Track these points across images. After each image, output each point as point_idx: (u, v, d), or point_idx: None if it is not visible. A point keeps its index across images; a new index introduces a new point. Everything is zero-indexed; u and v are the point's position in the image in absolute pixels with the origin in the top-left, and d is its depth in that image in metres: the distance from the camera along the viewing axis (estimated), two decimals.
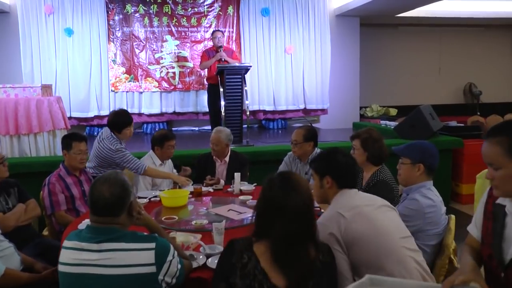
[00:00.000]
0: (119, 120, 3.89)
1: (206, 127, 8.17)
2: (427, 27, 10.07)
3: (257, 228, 1.73)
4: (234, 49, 7.68)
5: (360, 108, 9.20)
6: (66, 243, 1.82)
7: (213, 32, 6.99)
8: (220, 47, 6.57)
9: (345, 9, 8.23)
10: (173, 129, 8.01)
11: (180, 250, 2.01)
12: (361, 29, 8.92)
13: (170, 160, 4.06)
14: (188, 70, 7.88)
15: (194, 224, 2.61)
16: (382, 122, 7.75)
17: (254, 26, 8.11)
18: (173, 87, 7.86)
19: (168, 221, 2.69)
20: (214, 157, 4.07)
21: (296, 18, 8.30)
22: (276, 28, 8.21)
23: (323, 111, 8.64)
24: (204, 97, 7.66)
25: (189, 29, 7.86)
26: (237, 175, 3.54)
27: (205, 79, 7.43)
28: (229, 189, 3.60)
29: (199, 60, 7.25)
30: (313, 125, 8.68)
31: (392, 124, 7.22)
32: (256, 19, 8.12)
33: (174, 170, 4.15)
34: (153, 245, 1.75)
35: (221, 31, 7.14)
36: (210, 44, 7.74)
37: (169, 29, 7.79)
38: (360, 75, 8.94)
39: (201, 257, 2.13)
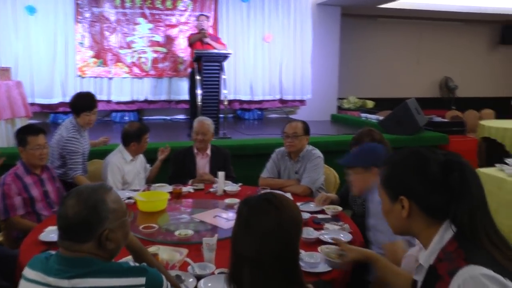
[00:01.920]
0: (79, 103, 3.49)
1: (178, 116, 7.78)
2: (407, 19, 9.93)
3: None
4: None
5: (337, 99, 9.00)
6: (28, 272, 1.41)
7: (198, 16, 6.66)
8: (203, 29, 6.19)
9: None
10: (144, 118, 7.59)
11: (169, 276, 1.66)
12: (342, 19, 8.69)
13: (142, 155, 3.68)
14: (162, 56, 7.43)
15: (178, 235, 2.27)
16: (363, 115, 7.57)
17: (233, 12, 7.74)
18: (145, 73, 7.39)
19: (147, 230, 2.33)
20: (195, 150, 3.72)
21: (276, 5, 7.98)
22: (256, 15, 7.86)
23: (302, 102, 8.40)
24: (179, 84, 7.25)
25: (164, 12, 7.40)
26: (221, 174, 3.21)
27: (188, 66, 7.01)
28: (211, 190, 3.27)
29: (175, 45, 6.85)
30: (290, 117, 8.45)
31: (373, 117, 7.03)
32: (235, 4, 7.74)
33: (148, 165, 3.77)
34: (142, 280, 1.38)
35: (206, 16, 6.79)
36: (185, 28, 7.38)
37: (142, 11, 7.30)
38: (339, 65, 8.73)
39: (190, 280, 1.80)
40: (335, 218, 2.72)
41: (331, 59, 8.61)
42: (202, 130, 3.66)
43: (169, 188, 3.18)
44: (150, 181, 3.65)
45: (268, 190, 3.18)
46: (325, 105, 8.49)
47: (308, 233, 2.40)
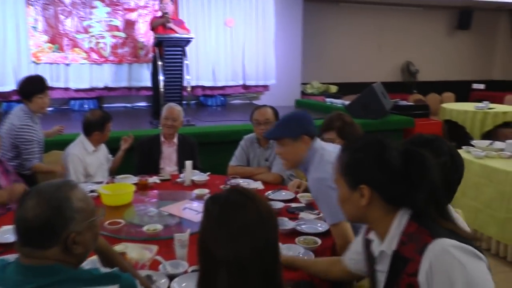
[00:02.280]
0: (29, 86, 3.28)
1: (140, 104, 7.53)
2: (368, 4, 9.95)
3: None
4: None
5: (301, 85, 8.96)
6: None
7: None
8: (166, 13, 5.94)
9: None
10: (104, 105, 7.29)
11: (141, 280, 1.52)
12: (304, 4, 8.61)
13: (103, 145, 3.48)
14: (121, 41, 7.12)
15: (146, 230, 2.13)
16: (327, 100, 7.54)
17: None
18: (104, 59, 7.06)
19: (113, 226, 2.17)
20: (162, 138, 3.56)
21: None
22: None
23: (265, 87, 8.31)
24: (139, 70, 7.00)
25: None
26: (188, 164, 3.06)
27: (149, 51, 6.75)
28: (178, 180, 3.12)
29: (134, 29, 6.57)
30: (253, 102, 8.35)
31: (338, 102, 7.02)
32: None
33: (109, 156, 3.58)
34: None
35: None
36: (144, 12, 7.10)
37: None
38: (302, 50, 8.66)
39: (163, 280, 1.67)
40: (310, 206, 2.64)
41: (294, 44, 8.53)
42: (173, 116, 3.52)
43: (134, 179, 3.02)
44: (113, 172, 3.47)
45: (237, 180, 3.09)
46: (288, 90, 8.43)
47: (284, 223, 2.31)
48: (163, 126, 3.54)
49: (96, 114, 3.33)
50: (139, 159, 3.55)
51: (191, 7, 7.49)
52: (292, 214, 2.53)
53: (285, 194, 2.86)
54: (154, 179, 3.05)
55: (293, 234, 2.20)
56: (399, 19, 10.40)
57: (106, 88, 7.18)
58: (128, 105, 7.56)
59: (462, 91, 9.85)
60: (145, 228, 2.14)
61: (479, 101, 7.75)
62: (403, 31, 10.48)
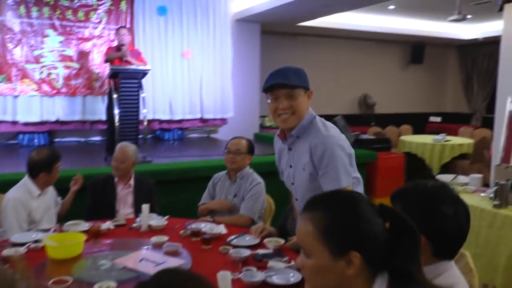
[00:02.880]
0: None
1: (94, 138, 7.19)
2: (325, 38, 10.10)
3: None
4: None
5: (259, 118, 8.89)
6: None
7: (118, 28, 6.13)
8: (123, 45, 5.72)
9: (246, 14, 7.89)
10: (55, 140, 6.89)
11: None
12: (262, 36, 8.63)
13: (51, 187, 3.18)
14: (75, 72, 6.81)
15: None
16: None
17: (150, 26, 7.35)
18: (56, 91, 6.70)
19: (58, 286, 1.90)
20: (116, 179, 3.31)
21: (195, 20, 7.71)
22: (174, 29, 7.52)
23: (223, 120, 8.16)
24: (94, 102, 6.71)
25: (76, 24, 6.79)
26: (145, 208, 2.81)
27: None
28: (134, 225, 2.86)
29: (88, 60, 6.31)
30: (211, 136, 8.19)
31: None
32: (152, 18, 7.35)
33: (59, 198, 3.28)
34: None
35: (127, 28, 6.29)
36: (99, 42, 6.85)
37: (51, 22, 6.64)
38: (260, 83, 8.62)
39: None
40: (279, 253, 2.45)
41: (252, 77, 8.48)
42: (120, 157, 3.28)
43: (85, 225, 2.73)
44: (62, 216, 3.17)
45: (198, 224, 2.86)
46: (247, 123, 8.31)
47: (252, 275, 2.10)
48: (112, 167, 3.31)
49: (42, 153, 3.01)
50: (91, 200, 3.27)
51: (148, 37, 7.31)
52: (260, 263, 2.33)
53: (249, 239, 2.65)
54: (107, 225, 2.77)
55: (264, 287, 2.01)
56: (355, 53, 10.61)
57: (58, 122, 6.80)
58: (82, 139, 7.19)
59: (419, 123, 10.08)
60: (96, 286, 1.88)
61: (436, 133, 7.91)
62: (360, 64, 10.69)
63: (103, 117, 6.35)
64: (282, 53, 9.75)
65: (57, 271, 2.06)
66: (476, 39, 10.32)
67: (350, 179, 2.11)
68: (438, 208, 1.34)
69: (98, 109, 6.84)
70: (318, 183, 2.11)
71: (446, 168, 7.09)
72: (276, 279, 2.07)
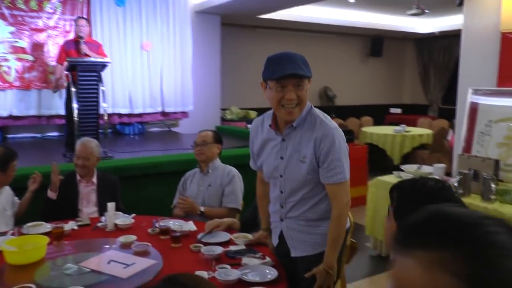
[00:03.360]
0: None
1: (51, 134, 6.88)
2: (286, 30, 10.08)
3: None
4: None
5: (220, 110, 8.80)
6: None
7: (76, 19, 5.84)
8: (81, 37, 5.46)
9: (206, 5, 7.75)
10: (8, 136, 6.54)
11: None
12: (222, 29, 8.51)
13: (7, 187, 2.99)
14: (28, 65, 6.45)
15: None
16: (249, 126, 7.41)
17: (108, 17, 7.06)
18: (8, 84, 6.32)
19: None
20: (78, 177, 3.16)
21: (154, 11, 7.48)
22: (133, 21, 7.29)
23: (184, 114, 8.01)
24: (50, 96, 6.40)
25: (28, 14, 6.41)
26: (110, 206, 2.70)
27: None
28: (99, 224, 2.74)
29: (43, 52, 6.02)
30: (172, 130, 8.04)
31: None
32: (110, 8, 7.08)
33: (16, 198, 3.10)
34: None
35: (86, 19, 6.01)
36: (55, 33, 6.55)
37: (0, 11, 6.28)
38: (220, 76, 8.53)
39: None
40: (251, 249, 2.39)
41: (213, 69, 8.35)
42: (84, 154, 3.13)
43: (47, 227, 2.59)
44: (20, 217, 2.99)
45: (167, 222, 2.76)
46: (208, 116, 8.19)
47: (226, 273, 2.04)
48: (75, 165, 3.16)
49: None
50: (51, 200, 3.10)
51: (105, 29, 7.04)
52: (233, 260, 2.27)
53: (219, 236, 2.59)
54: (70, 226, 2.63)
55: (239, 285, 1.95)
56: (315, 45, 10.64)
57: (11, 117, 6.42)
58: (38, 135, 6.85)
59: (378, 115, 10.25)
60: None
61: (396, 124, 8.07)
62: (319, 57, 10.73)
63: (60, 111, 6.07)
64: (242, 45, 9.67)
65: (17, 279, 1.92)
66: (432, 33, 10.57)
67: (347, 172, 2.08)
68: None
69: (55, 103, 6.52)
70: (315, 176, 2.04)
71: (407, 158, 7.25)
72: (251, 277, 2.02)
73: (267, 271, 2.08)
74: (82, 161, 3.10)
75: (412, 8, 6.84)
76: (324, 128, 2.00)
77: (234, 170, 3.21)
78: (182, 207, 2.98)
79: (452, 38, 10.76)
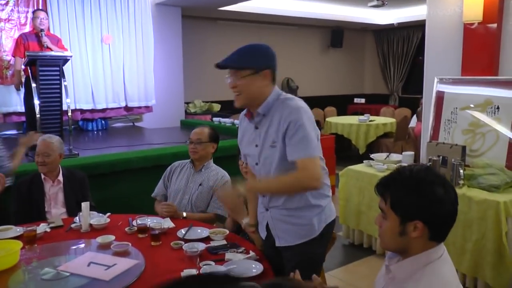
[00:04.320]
0: None
1: (9, 132, 6.57)
2: (246, 23, 10.03)
3: None
4: None
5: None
6: None
7: (34, 11, 5.58)
8: (42, 30, 5.22)
9: None
10: None
11: None
12: (183, 21, 8.38)
13: None
14: None
15: None
16: (215, 119, 7.33)
17: (65, 9, 6.78)
18: None
19: None
20: (43, 176, 3.03)
21: (113, 3, 7.26)
22: (92, 13, 7.04)
23: (148, 108, 7.85)
24: (6, 93, 6.11)
25: None
26: (85, 206, 2.59)
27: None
28: (73, 225, 2.62)
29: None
30: (136, 124, 7.88)
31: (228, 121, 6.86)
32: (67, 0, 6.80)
33: None
34: None
35: (45, 11, 5.75)
36: (9, 26, 6.26)
37: None
38: (183, 68, 8.41)
39: None
40: (233, 244, 2.36)
41: (175, 62, 8.23)
42: (44, 150, 2.99)
43: (17, 230, 2.46)
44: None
45: (144, 220, 2.68)
46: (172, 110, 8.09)
47: (212, 269, 2.00)
48: (36, 163, 3.02)
49: None
50: (18, 204, 2.96)
51: (63, 21, 6.76)
52: (216, 256, 2.23)
53: (200, 232, 2.54)
54: (43, 228, 2.51)
55: None
56: (276, 37, 10.63)
57: None
58: None
59: (341, 105, 10.38)
60: None
61: (361, 114, 8.19)
62: (281, 49, 10.73)
63: (18, 108, 5.80)
64: (204, 38, 9.56)
65: None
66: (391, 24, 10.78)
67: (320, 152, 2.02)
68: (431, 190, 1.31)
69: (12, 100, 6.22)
70: (287, 163, 2.00)
71: (372, 147, 7.39)
72: (238, 272, 1.99)
73: (253, 265, 2.05)
74: (42, 158, 2.97)
75: (373, 0, 6.94)
76: (288, 107, 1.98)
77: (227, 175, 3.11)
78: (166, 213, 2.82)
79: (410, 29, 11.02)
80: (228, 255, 2.18)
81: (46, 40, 5.19)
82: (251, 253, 2.19)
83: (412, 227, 1.33)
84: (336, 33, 11.37)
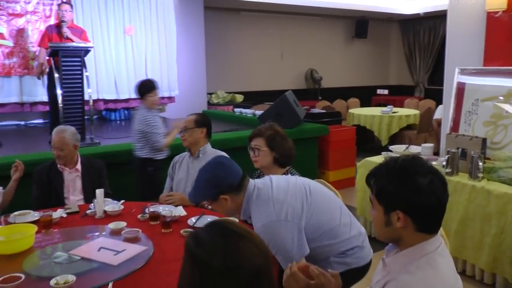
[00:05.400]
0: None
1: (35, 121, 6.77)
2: (269, 13, 10.00)
3: None
4: None
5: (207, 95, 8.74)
6: None
7: (60, 4, 5.69)
8: (63, 21, 5.33)
9: None
10: None
11: None
12: (206, 12, 8.41)
13: None
14: (8, 51, 6.31)
15: (55, 285, 1.72)
16: (237, 110, 7.36)
17: (88, 1, 6.92)
18: None
19: (8, 284, 1.72)
20: (59, 166, 3.11)
21: None
22: (115, 4, 7.15)
23: (171, 99, 7.94)
24: (32, 83, 6.28)
25: None
26: (99, 193, 2.65)
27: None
28: (88, 212, 2.70)
29: (23, 38, 5.86)
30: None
31: (249, 112, 6.87)
32: None
33: (0, 188, 3.03)
34: None
35: (70, 5, 5.88)
36: (34, 18, 6.40)
37: None
38: (205, 60, 8.45)
39: None
40: None
41: (198, 53, 8.30)
42: (58, 145, 3.04)
43: (35, 215, 2.54)
44: (6, 207, 2.93)
45: (157, 207, 2.72)
46: (194, 101, 8.17)
47: None
48: (55, 156, 3.09)
49: None
50: (37, 189, 3.05)
51: (87, 13, 6.90)
52: None
53: (210, 220, 2.56)
54: (59, 213, 2.59)
55: None
56: (300, 28, 10.58)
57: None
58: (21, 123, 6.75)
59: (365, 97, 10.27)
60: (53, 282, 1.72)
61: (384, 105, 8.08)
62: (305, 39, 10.69)
63: (44, 98, 5.96)
64: (226, 29, 9.58)
65: (5, 268, 1.88)
66: (417, 14, 10.57)
67: (294, 258, 1.82)
68: (411, 180, 1.29)
69: (38, 90, 6.41)
70: None
71: (394, 138, 7.29)
72: None
73: None
74: (56, 152, 3.04)
75: None
76: (255, 228, 1.90)
77: (226, 156, 3.14)
78: (170, 203, 2.85)
79: (437, 19, 10.77)
80: None
81: (66, 31, 5.28)
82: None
83: (395, 217, 1.32)
84: (360, 23, 11.22)
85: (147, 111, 3.85)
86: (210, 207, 2.71)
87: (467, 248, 3.48)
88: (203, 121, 3.20)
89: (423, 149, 4.15)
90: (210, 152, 3.16)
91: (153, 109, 3.91)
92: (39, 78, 5.80)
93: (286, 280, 1.49)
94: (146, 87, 3.88)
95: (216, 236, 1.05)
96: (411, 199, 1.29)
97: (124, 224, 2.41)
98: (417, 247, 1.33)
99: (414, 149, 4.33)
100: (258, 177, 2.74)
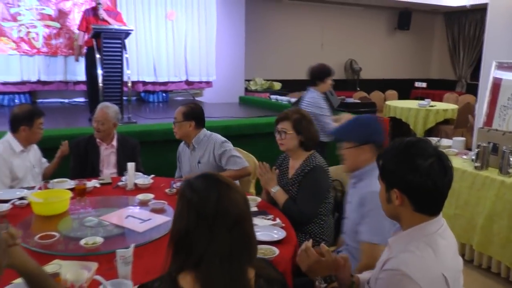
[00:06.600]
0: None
1: (78, 99, 7.07)
2: (311, 2, 9.96)
3: (179, 255, 1.17)
4: None
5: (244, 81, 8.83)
6: None
7: None
8: (100, 4, 5.51)
9: None
10: (38, 101, 6.77)
11: None
12: (247, 0, 8.46)
13: (35, 145, 3.12)
14: (55, 32, 6.61)
15: (85, 244, 1.88)
16: (273, 97, 7.44)
17: None
18: (36, 50, 6.51)
19: (45, 241, 1.89)
20: (97, 140, 3.28)
21: None
22: None
23: (208, 83, 8.09)
24: (75, 63, 6.55)
25: None
26: (130, 166, 2.81)
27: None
28: (120, 183, 2.86)
29: (69, 19, 6.11)
30: (197, 98, 8.14)
31: (284, 99, 6.93)
32: None
33: (44, 160, 3.24)
34: None
35: None
36: (80, 1, 6.75)
37: None
38: (245, 46, 8.52)
39: None
40: (263, 211, 2.47)
41: (237, 40, 8.38)
42: (100, 119, 3.22)
43: (71, 183, 2.73)
44: (47, 177, 3.14)
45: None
46: (232, 87, 8.27)
47: None
48: (93, 128, 3.27)
49: (23, 107, 2.99)
50: (75, 160, 3.24)
51: None
52: None
53: None
54: (93, 183, 2.77)
55: None
56: (341, 18, 10.49)
57: (40, 82, 6.65)
58: (65, 100, 7.08)
59: (404, 89, 10.10)
60: (83, 242, 1.88)
61: (421, 98, 7.95)
62: (345, 29, 10.59)
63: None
64: (267, 16, 9.61)
65: (42, 228, 2.05)
66: (463, 6, 10.26)
67: (381, 236, 1.93)
68: (410, 160, 1.34)
69: (80, 70, 6.67)
70: None
71: (430, 132, 7.18)
72: (260, 236, 2.10)
73: (275, 231, 2.15)
74: (97, 125, 3.21)
75: None
76: (364, 190, 2.07)
77: (220, 138, 3.12)
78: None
79: (484, 11, 10.38)
80: (256, 221, 2.29)
81: (102, 13, 5.44)
82: (277, 220, 2.30)
83: (394, 195, 1.37)
84: (403, 15, 11.01)
85: (318, 94, 4.13)
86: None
87: (493, 244, 3.44)
88: (191, 113, 3.08)
89: (454, 143, 4.11)
90: (205, 139, 3.11)
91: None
92: (76, 60, 6.02)
93: (299, 255, 1.58)
94: (328, 71, 4.22)
95: (209, 185, 1.18)
96: (406, 179, 1.34)
97: (152, 196, 2.55)
98: (417, 228, 1.37)
99: (445, 142, 4.29)
100: (283, 160, 2.82)
